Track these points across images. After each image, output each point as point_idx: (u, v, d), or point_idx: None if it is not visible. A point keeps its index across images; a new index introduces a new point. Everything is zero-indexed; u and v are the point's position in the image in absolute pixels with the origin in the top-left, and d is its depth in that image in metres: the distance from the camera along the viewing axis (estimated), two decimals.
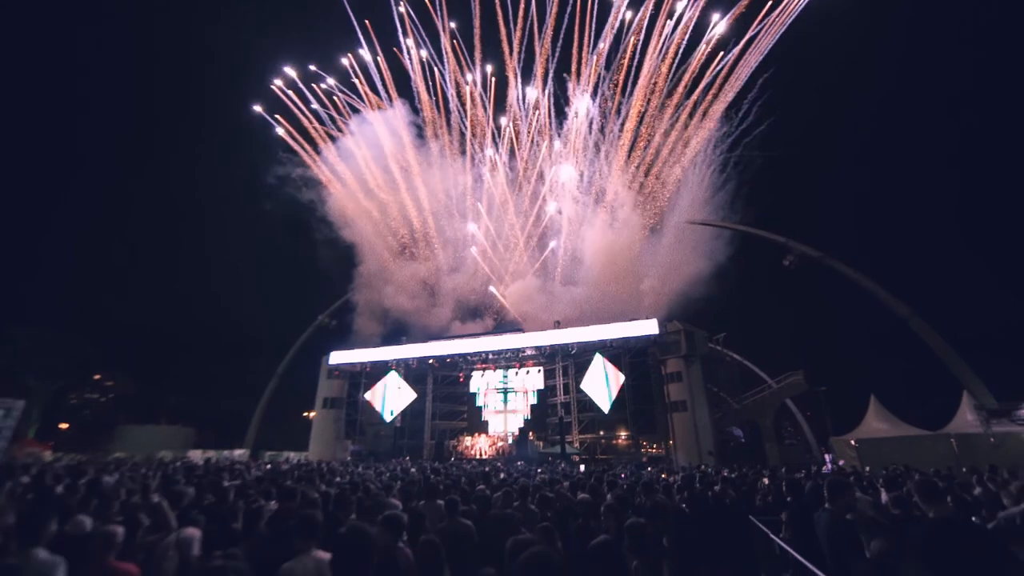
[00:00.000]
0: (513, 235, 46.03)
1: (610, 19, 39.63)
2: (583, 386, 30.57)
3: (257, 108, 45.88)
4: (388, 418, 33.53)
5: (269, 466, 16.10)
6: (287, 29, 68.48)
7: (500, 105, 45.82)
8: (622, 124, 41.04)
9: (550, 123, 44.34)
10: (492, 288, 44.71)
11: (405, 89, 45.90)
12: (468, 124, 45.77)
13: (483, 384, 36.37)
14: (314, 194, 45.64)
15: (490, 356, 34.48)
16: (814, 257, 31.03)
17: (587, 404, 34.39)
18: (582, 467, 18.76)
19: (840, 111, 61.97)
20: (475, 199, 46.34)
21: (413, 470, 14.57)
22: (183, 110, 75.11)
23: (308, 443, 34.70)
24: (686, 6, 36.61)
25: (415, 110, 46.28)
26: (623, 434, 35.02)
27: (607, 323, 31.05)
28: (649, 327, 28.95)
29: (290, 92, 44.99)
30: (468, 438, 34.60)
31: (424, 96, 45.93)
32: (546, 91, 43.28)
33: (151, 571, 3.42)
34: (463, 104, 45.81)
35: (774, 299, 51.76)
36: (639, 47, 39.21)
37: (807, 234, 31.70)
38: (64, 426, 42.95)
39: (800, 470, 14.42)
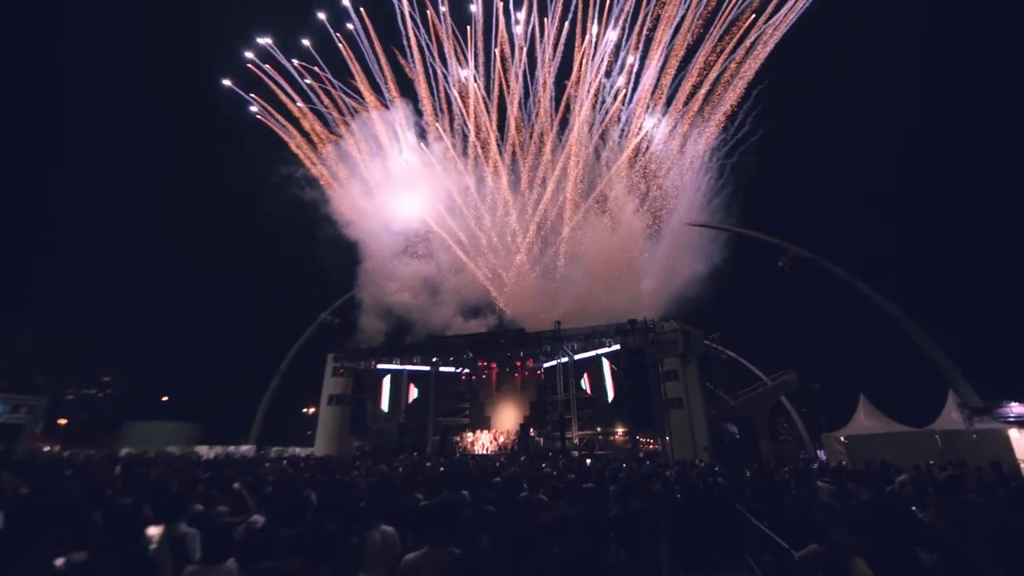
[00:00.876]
0: (515, 236, 46.73)
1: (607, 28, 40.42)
2: (582, 384, 31.45)
3: (227, 82, 44.00)
4: (393, 416, 34.34)
5: (285, 461, 16.87)
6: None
7: (500, 109, 46.44)
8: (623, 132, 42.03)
9: (551, 121, 45.01)
10: (493, 288, 45.49)
11: (407, 89, 46.35)
12: (471, 126, 46.38)
13: (484, 381, 37.21)
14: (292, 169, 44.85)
15: (492, 354, 35.28)
16: (807, 258, 31.86)
17: (585, 401, 35.25)
18: (588, 461, 19.64)
19: (831, 117, 63.10)
20: (478, 197, 46.99)
21: (428, 464, 15.34)
22: (183, 111, 75.31)
23: (308, 439, 35.40)
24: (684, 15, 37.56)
25: (417, 108, 46.64)
26: (620, 430, 35.89)
27: (606, 322, 31.90)
28: (647, 326, 29.81)
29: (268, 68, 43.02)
30: (470, 434, 35.42)
31: (422, 83, 45.74)
32: (547, 88, 43.93)
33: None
34: (464, 102, 46.26)
35: (769, 299, 52.76)
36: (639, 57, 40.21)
37: (802, 237, 32.38)
38: (63, 422, 43.30)
39: (787, 466, 15.24)
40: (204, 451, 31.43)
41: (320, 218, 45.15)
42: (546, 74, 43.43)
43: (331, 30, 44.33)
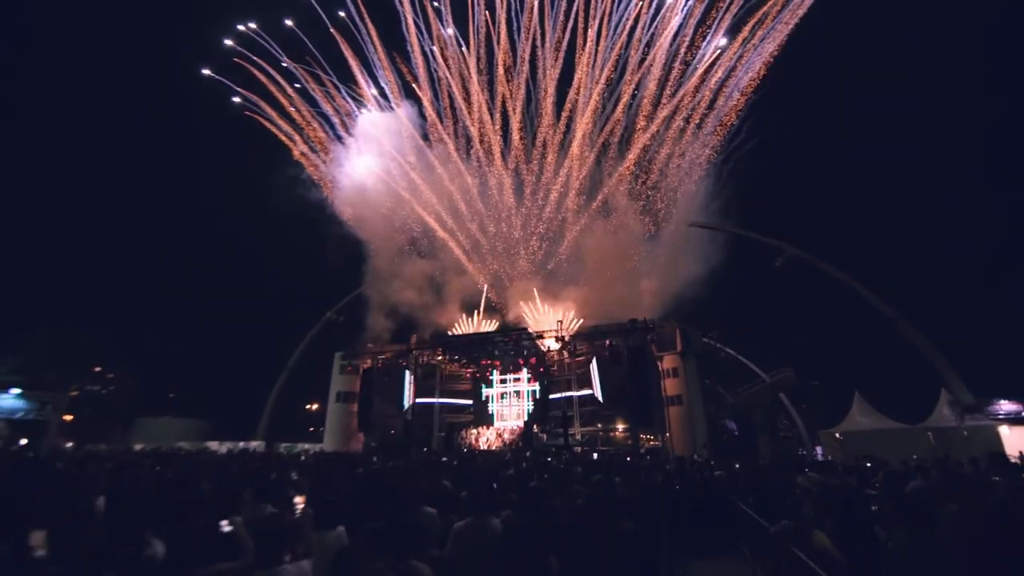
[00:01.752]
0: (518, 237, 47.31)
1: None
2: (582, 382, 32.18)
3: (207, 72, 43.65)
4: (399, 412, 35.11)
5: (303, 458, 17.57)
6: None
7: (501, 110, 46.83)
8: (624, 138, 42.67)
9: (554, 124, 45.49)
10: (496, 288, 46.16)
11: (408, 90, 46.75)
12: (474, 127, 46.85)
13: (488, 379, 37.97)
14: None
15: (495, 352, 36.01)
16: (804, 259, 32.48)
17: (587, 399, 35.93)
18: (595, 455, 20.31)
19: (827, 119, 63.68)
20: (481, 198, 47.55)
21: (444, 459, 16.09)
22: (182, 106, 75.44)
23: (313, 435, 36.18)
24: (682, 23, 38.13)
25: (417, 104, 47.06)
26: (621, 427, 36.63)
27: (608, 321, 32.61)
28: (647, 325, 30.49)
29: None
30: (475, 430, 36.14)
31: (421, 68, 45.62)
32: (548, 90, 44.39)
33: None
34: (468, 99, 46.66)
35: (767, 299, 53.40)
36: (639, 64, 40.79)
37: (802, 237, 33.17)
38: (68, 418, 43.79)
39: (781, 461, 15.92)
40: (215, 447, 32.15)
41: (316, 212, 45.73)
42: (547, 80, 43.94)
43: (326, 20, 44.35)
